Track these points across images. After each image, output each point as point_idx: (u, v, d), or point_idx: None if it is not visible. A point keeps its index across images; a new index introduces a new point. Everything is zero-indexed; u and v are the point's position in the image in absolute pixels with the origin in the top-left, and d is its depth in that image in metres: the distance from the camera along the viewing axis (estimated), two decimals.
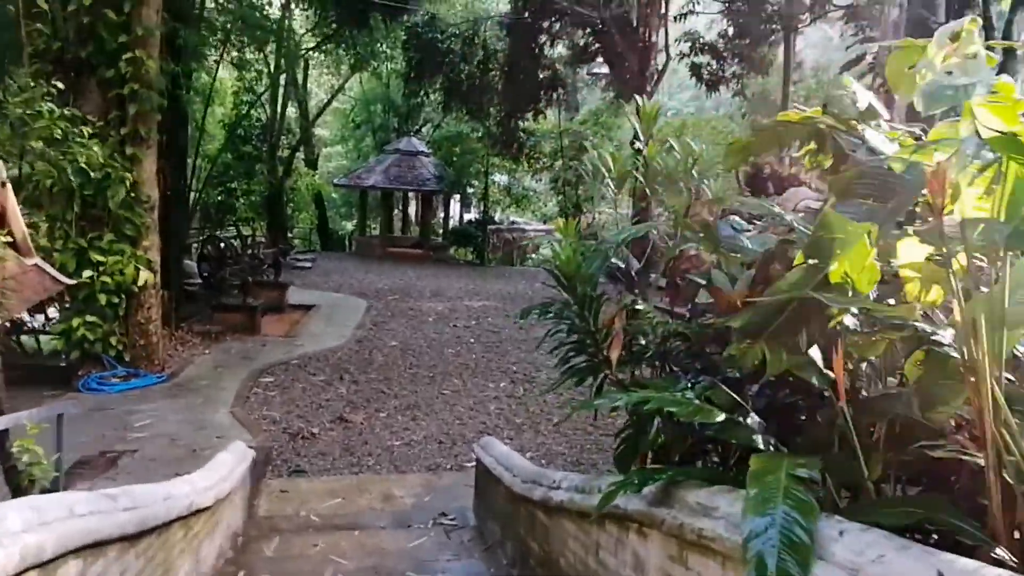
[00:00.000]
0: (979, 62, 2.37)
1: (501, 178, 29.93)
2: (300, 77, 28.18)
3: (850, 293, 1.89)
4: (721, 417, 2.22)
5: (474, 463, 7.86)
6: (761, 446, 2.19)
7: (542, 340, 4.04)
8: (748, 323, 2.05)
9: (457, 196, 31.43)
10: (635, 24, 12.31)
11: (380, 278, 21.87)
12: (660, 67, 13.04)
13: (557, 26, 17.68)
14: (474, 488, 6.50)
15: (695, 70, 21.51)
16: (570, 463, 8.18)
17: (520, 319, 4.01)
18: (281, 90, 25.49)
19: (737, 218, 3.47)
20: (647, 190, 3.71)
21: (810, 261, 1.92)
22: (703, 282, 2.88)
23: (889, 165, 1.85)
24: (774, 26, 21.24)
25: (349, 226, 37.06)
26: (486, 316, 16.70)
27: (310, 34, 19.92)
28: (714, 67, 21.59)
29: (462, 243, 29.87)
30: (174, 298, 12.86)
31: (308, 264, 23.22)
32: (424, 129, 33.39)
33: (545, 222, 34.77)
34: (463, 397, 10.48)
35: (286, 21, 17.99)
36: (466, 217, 33.99)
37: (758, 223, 3.60)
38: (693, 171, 3.56)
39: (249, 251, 16.61)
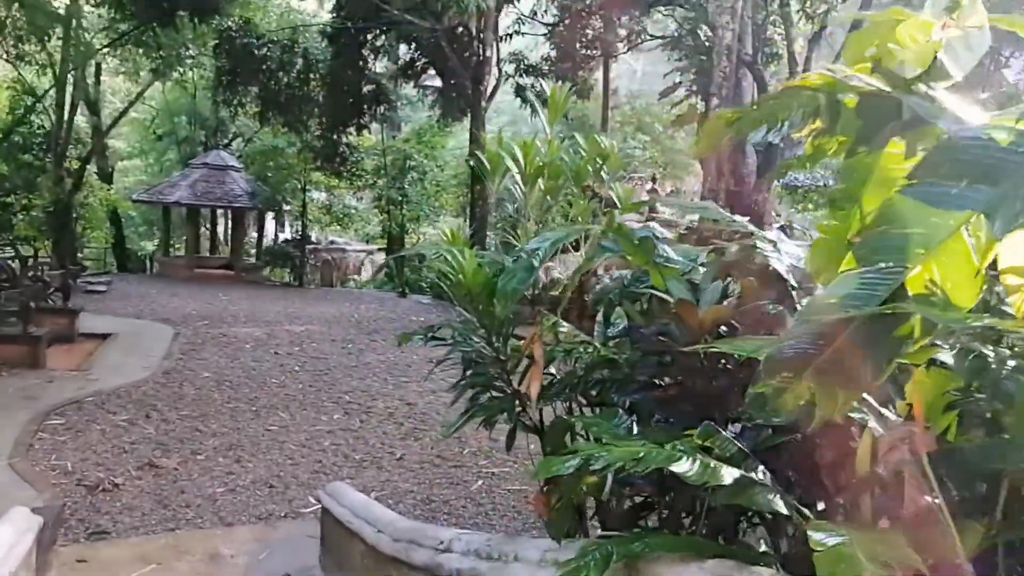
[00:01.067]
0: (984, 34, 2.04)
1: (320, 195, 28.61)
2: (92, 81, 25.49)
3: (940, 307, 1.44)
4: (736, 475, 1.69)
5: (314, 509, 6.97)
6: (784, 511, 1.69)
7: (430, 372, 3.39)
8: (784, 352, 1.53)
9: (272, 214, 29.72)
10: (471, 38, 11.90)
11: (188, 302, 20.00)
12: (492, 84, 12.72)
13: (382, 39, 16.99)
14: (321, 543, 5.65)
15: (520, 91, 21.61)
16: (420, 501, 7.48)
17: (399, 344, 3.34)
18: (69, 94, 22.88)
19: (656, 226, 3.01)
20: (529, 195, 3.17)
21: (865, 266, 1.44)
22: (670, 299, 2.36)
23: (990, 135, 1.40)
24: (594, 51, 21.80)
25: (150, 246, 34.05)
26: (310, 341, 15.57)
27: (104, 33, 17.87)
28: (538, 89, 21.82)
29: (278, 263, 28.19)
30: None
31: (103, 287, 20.85)
32: (235, 143, 31.38)
33: (368, 242, 33.73)
34: (292, 433, 9.46)
35: (73, 18, 15.98)
36: (281, 236, 32.25)
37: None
38: (603, 172, 3.07)
39: (31, 273, 14.47)
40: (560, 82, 18.03)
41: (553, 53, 22.42)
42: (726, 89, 15.72)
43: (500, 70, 12.84)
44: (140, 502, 7.11)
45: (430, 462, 8.63)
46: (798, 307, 2.18)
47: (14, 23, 13.80)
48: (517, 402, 2.80)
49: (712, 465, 1.71)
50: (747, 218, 2.54)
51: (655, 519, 2.83)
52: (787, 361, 1.51)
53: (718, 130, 2.03)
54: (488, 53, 11.82)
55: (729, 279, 2.49)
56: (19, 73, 21.12)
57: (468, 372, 2.93)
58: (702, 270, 2.80)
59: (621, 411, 2.38)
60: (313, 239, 29.65)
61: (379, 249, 34.38)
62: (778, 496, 1.72)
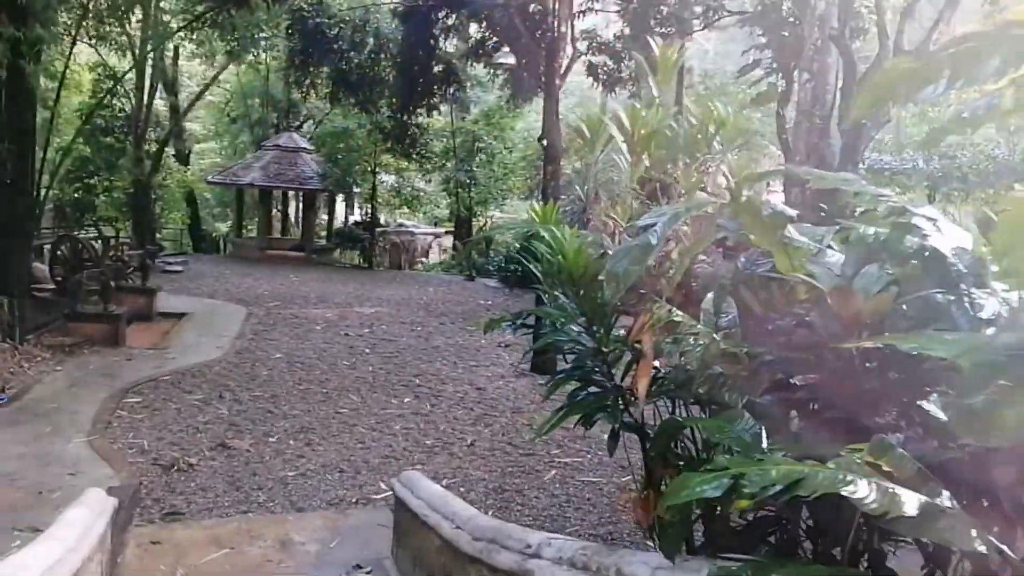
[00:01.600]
0: None
1: (389, 178, 28.64)
2: (170, 63, 26.04)
3: None
4: (919, 502, 1.38)
5: (385, 496, 6.84)
6: (983, 550, 1.36)
7: (522, 358, 3.13)
8: (1002, 356, 1.21)
9: (342, 196, 29.93)
10: (544, 14, 11.54)
11: (259, 283, 20.28)
12: (566, 62, 12.31)
13: (453, 18, 16.74)
14: (394, 532, 5.48)
15: (592, 70, 21.09)
16: (492, 490, 7.27)
17: (485, 330, 3.08)
18: (148, 77, 23.39)
19: (777, 203, 2.67)
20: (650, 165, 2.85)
21: None
22: (801, 284, 2.04)
23: None
24: (669, 29, 21.09)
25: (223, 228, 34.76)
26: (380, 323, 15.56)
27: (181, 16, 18.13)
28: (611, 67, 21.25)
29: (347, 246, 28.40)
30: (18, 306, 11.11)
31: (179, 268, 21.29)
32: (305, 126, 31.68)
33: (436, 225, 33.75)
34: (363, 416, 9.37)
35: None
36: (351, 219, 32.52)
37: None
38: (716, 140, 2.74)
39: (111, 252, 14.79)
40: (632, 60, 17.33)
41: (627, 30, 21.82)
42: (818, 63, 15.01)
43: (574, 47, 12.42)
44: (213, 483, 7.09)
45: (501, 449, 8.43)
46: (967, 297, 1.84)
47: (96, 4, 14.05)
48: (619, 399, 2.51)
49: (892, 491, 1.39)
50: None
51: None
52: (1008, 368, 1.19)
53: (889, 84, 1.68)
54: (563, 29, 11.42)
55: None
56: (100, 56, 21.62)
57: (570, 366, 2.64)
58: (830, 252, 2.46)
59: (742, 411, 2.07)
60: (382, 222, 29.74)
61: (446, 232, 34.38)
62: (972, 529, 1.39)
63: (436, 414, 9.60)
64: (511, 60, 14.85)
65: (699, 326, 2.43)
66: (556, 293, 2.64)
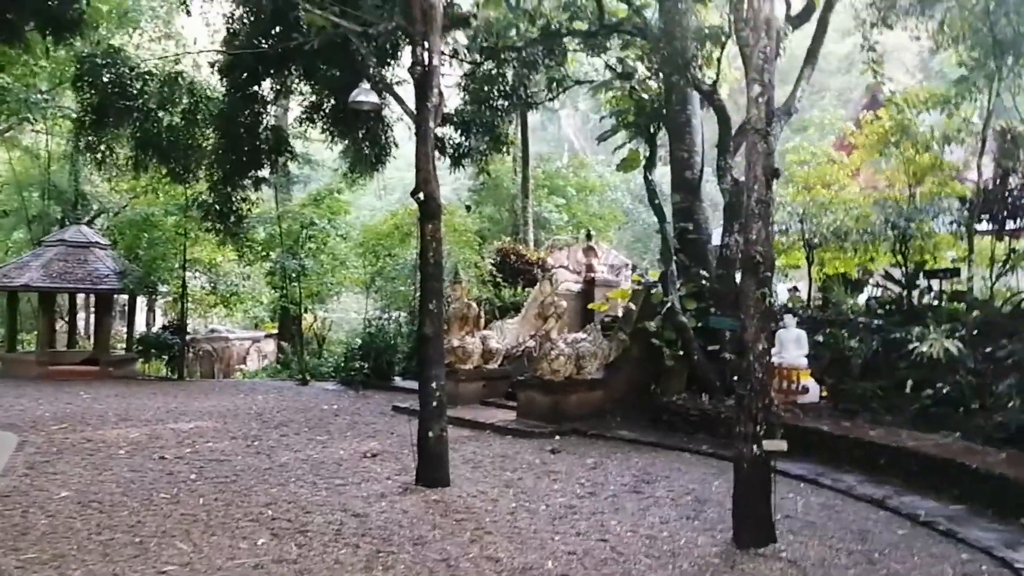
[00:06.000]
0: None
1: (200, 278, 24.86)
2: None
3: None
4: None
5: None
6: None
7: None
8: None
9: (144, 298, 25.81)
10: (414, 43, 9.55)
11: (38, 403, 16.19)
12: (436, 100, 10.20)
13: (282, 76, 14.39)
14: None
15: (438, 143, 19.44)
16: None
17: None
18: None
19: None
20: None
21: None
22: None
23: None
24: (514, 100, 19.97)
25: None
26: (204, 441, 12.31)
27: None
28: (457, 140, 19.74)
29: (154, 355, 24.27)
30: None
31: None
32: (99, 220, 27.38)
33: (256, 327, 30.13)
34: (202, 573, 6.33)
35: None
36: (157, 323, 28.26)
37: None
38: None
39: None
40: (480, 134, 15.50)
41: (469, 107, 20.65)
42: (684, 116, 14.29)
43: (441, 93, 10.36)
44: None
45: None
46: None
47: None
48: None
49: None
50: None
51: None
52: None
53: None
54: (435, 62, 9.48)
55: None
56: None
57: None
58: None
59: None
60: (189, 328, 25.67)
61: (266, 335, 30.86)
62: None
63: (310, 559, 6.73)
64: (372, 98, 12.59)
65: None
66: None
